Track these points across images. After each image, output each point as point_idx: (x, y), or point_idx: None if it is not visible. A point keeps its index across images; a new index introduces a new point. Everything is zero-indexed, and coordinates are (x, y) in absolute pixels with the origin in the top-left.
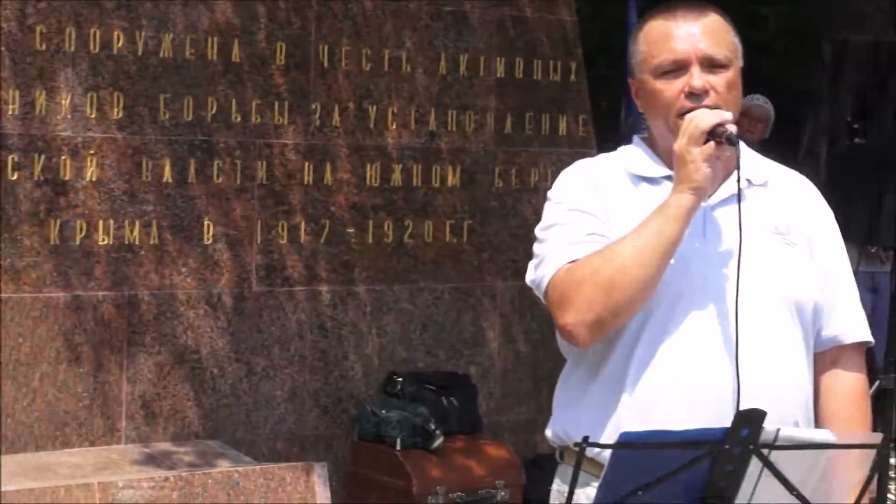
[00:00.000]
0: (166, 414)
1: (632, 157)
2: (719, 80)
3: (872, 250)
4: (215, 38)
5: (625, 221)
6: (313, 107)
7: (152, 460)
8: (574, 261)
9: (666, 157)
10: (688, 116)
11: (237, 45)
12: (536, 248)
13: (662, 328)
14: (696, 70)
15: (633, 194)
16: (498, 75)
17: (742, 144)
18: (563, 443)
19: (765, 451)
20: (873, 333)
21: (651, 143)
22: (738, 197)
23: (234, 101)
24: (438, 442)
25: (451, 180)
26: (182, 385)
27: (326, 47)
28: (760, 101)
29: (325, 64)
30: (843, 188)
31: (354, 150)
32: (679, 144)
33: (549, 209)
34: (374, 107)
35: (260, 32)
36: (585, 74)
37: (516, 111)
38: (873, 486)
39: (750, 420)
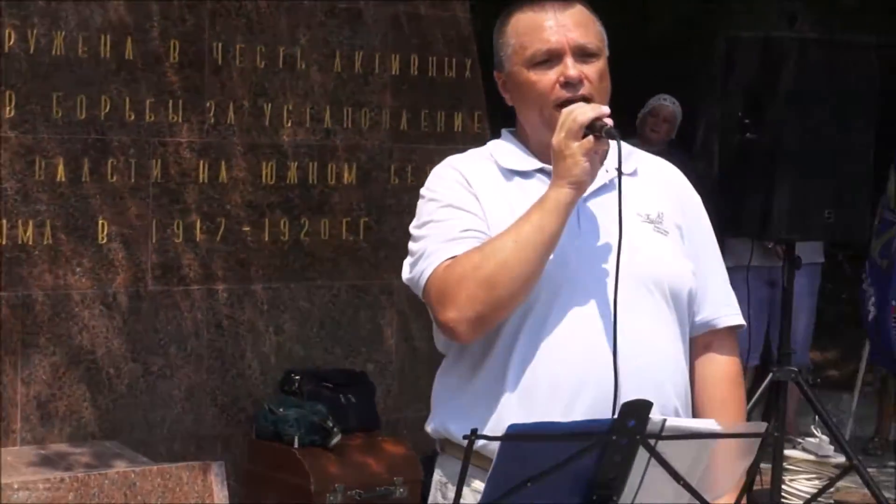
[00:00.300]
0: (62, 415)
1: (502, 151)
2: (592, 69)
3: (770, 245)
4: (108, 36)
5: (500, 216)
6: (208, 105)
7: (48, 461)
8: (453, 257)
9: (537, 149)
10: (565, 111)
11: (130, 42)
12: (412, 245)
13: (542, 321)
14: (569, 60)
15: (506, 189)
16: (393, 72)
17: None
18: (443, 436)
19: (651, 441)
20: (771, 328)
21: (521, 137)
22: (619, 191)
23: (127, 100)
24: (336, 439)
25: (346, 178)
26: (78, 386)
27: (220, 45)
28: (668, 102)
29: (220, 61)
30: (737, 183)
31: (249, 148)
32: (557, 138)
33: (422, 206)
34: (269, 104)
35: (153, 30)
36: (480, 71)
37: (412, 108)
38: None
39: (636, 411)
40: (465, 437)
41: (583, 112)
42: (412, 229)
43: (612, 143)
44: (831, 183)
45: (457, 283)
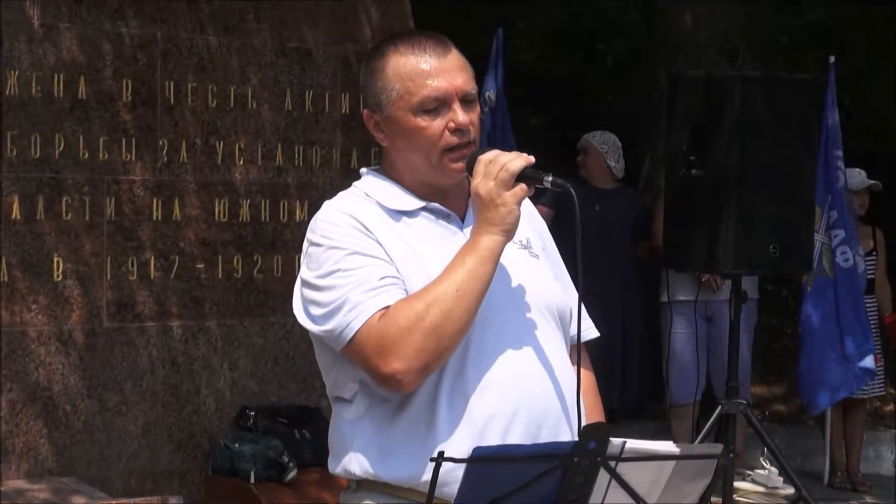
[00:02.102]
0: (19, 451)
1: (380, 191)
2: (474, 114)
3: (703, 279)
4: (61, 75)
5: (403, 257)
6: (161, 143)
7: (6, 498)
8: (386, 307)
9: (417, 189)
10: (486, 158)
11: (83, 81)
12: (319, 296)
13: (465, 356)
14: (456, 105)
15: (397, 229)
16: (343, 111)
17: None
18: (362, 478)
19: (612, 462)
20: (709, 362)
21: (393, 176)
22: (577, 234)
23: (81, 138)
24: (292, 475)
25: (299, 215)
26: (35, 422)
27: (172, 84)
28: (597, 138)
29: (172, 100)
30: (682, 218)
31: (202, 186)
32: (486, 187)
33: (321, 255)
34: (221, 143)
35: (106, 69)
36: None
37: (362, 146)
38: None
39: (596, 433)
40: (432, 460)
41: (512, 162)
42: (312, 279)
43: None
44: (776, 217)
45: (400, 334)
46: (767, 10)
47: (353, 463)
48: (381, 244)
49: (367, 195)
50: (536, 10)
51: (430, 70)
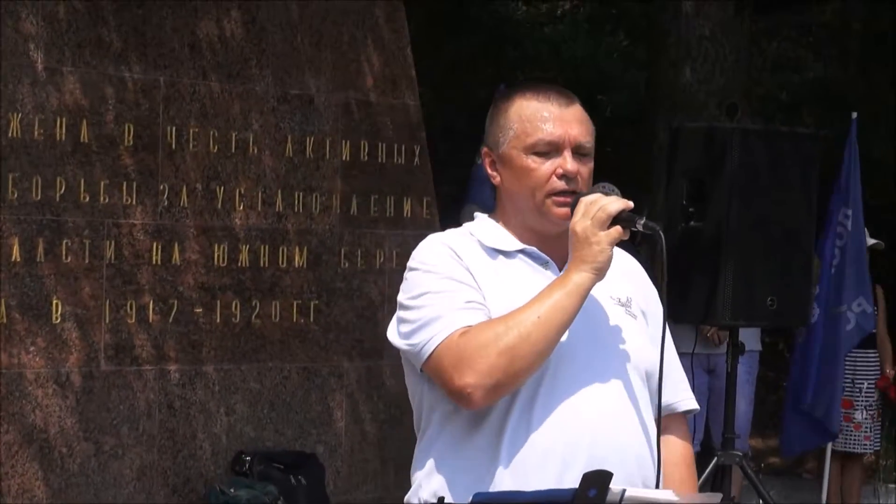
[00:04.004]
0: (14, 493)
1: (483, 230)
2: (585, 168)
3: (707, 333)
4: (64, 118)
5: (493, 290)
6: (161, 187)
7: None
8: (468, 326)
9: (518, 232)
10: (586, 200)
11: (86, 125)
12: (407, 314)
13: (535, 395)
14: (568, 154)
15: (492, 266)
16: (343, 158)
17: None
18: (431, 501)
19: None
20: (710, 414)
21: (500, 218)
22: (663, 282)
23: (82, 181)
24: None
25: (297, 261)
26: (30, 464)
27: (174, 128)
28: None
29: (173, 145)
30: (681, 271)
31: (202, 231)
32: (582, 225)
33: (415, 278)
34: (222, 188)
35: (108, 113)
36: (429, 158)
37: (362, 193)
38: None
39: (597, 481)
40: None
41: (611, 203)
42: (405, 300)
43: None
44: (774, 269)
45: (477, 350)
46: (767, 68)
47: (424, 490)
48: (471, 273)
49: (470, 233)
50: (537, 65)
51: (548, 116)
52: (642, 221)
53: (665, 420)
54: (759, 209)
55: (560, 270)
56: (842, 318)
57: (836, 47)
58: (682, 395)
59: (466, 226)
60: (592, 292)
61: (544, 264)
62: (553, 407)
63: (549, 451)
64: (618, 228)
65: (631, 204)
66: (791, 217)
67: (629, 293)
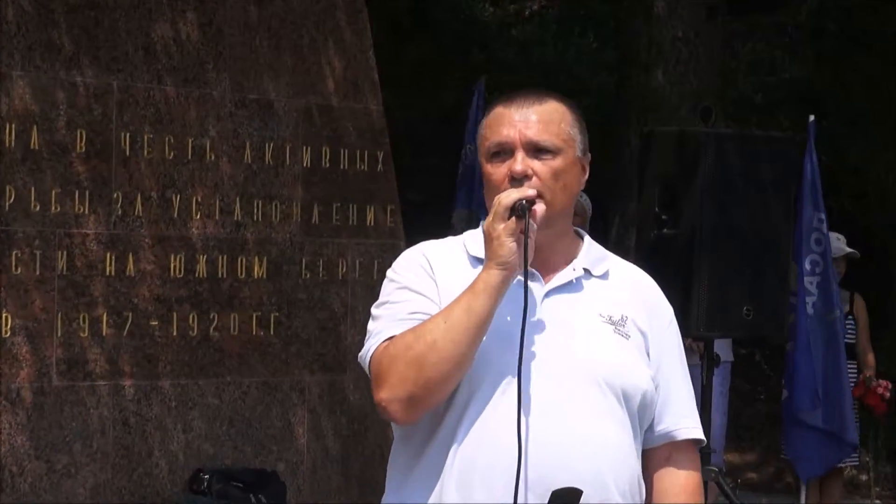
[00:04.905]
0: None
1: (473, 238)
2: (543, 166)
3: (686, 343)
4: (13, 124)
5: (450, 298)
6: (115, 195)
7: None
8: (391, 337)
9: None
10: (498, 196)
11: (36, 131)
12: (369, 325)
13: (484, 407)
14: (520, 154)
15: (469, 275)
16: (304, 164)
17: (587, 237)
18: None
19: None
20: None
21: None
22: (526, 271)
23: (32, 189)
24: None
25: (257, 271)
26: None
27: (128, 135)
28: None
29: (127, 152)
30: (653, 279)
31: (158, 241)
32: (487, 222)
33: (384, 287)
34: (178, 196)
35: (59, 119)
36: (392, 164)
37: (323, 201)
38: None
39: (566, 499)
40: None
41: (507, 195)
42: (372, 309)
43: (587, 244)
44: (749, 278)
45: (389, 363)
46: (741, 70)
47: (385, 498)
48: (437, 284)
49: (463, 242)
50: (505, 68)
51: (505, 119)
52: (518, 204)
53: (667, 448)
54: (733, 215)
55: (545, 283)
56: (837, 322)
57: (811, 49)
58: (683, 423)
59: (467, 233)
60: (579, 308)
61: (530, 276)
62: (504, 423)
63: (492, 468)
64: (513, 219)
65: (531, 192)
66: (767, 223)
67: (626, 311)
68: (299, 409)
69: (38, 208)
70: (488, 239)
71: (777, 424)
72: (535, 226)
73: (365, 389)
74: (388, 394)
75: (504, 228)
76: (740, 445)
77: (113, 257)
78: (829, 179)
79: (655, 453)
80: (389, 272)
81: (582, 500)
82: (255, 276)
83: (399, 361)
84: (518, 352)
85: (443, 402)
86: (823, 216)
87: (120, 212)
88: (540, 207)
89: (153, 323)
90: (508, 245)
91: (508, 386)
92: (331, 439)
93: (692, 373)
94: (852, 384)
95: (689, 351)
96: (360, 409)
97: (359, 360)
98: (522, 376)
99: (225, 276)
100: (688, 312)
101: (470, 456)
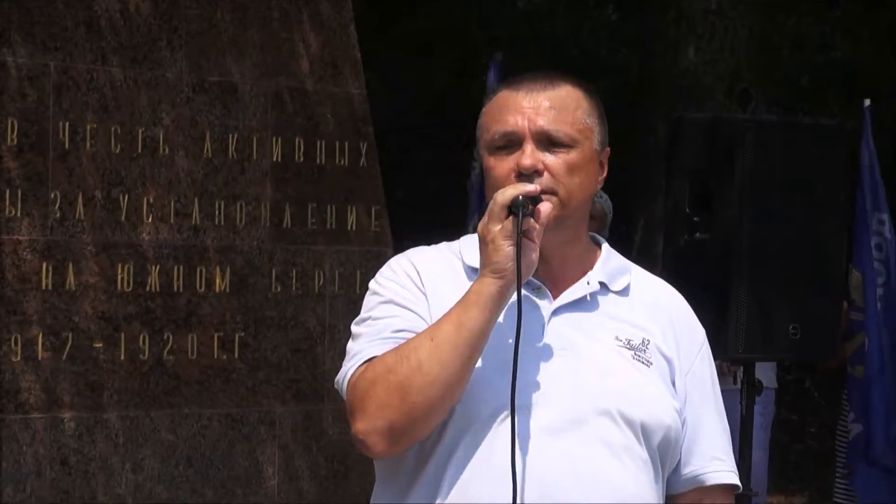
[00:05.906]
0: None
1: (469, 245)
2: (556, 160)
3: (717, 365)
4: None
5: (441, 313)
6: (52, 195)
7: None
8: (371, 359)
9: None
10: (496, 194)
11: None
12: (348, 344)
13: (479, 442)
14: (529, 147)
15: (465, 288)
16: (274, 158)
17: (605, 245)
18: None
19: None
20: None
21: None
22: (518, 279)
23: None
24: None
25: (219, 285)
26: None
27: (67, 124)
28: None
29: (67, 144)
30: (684, 292)
31: (102, 248)
32: (482, 224)
33: (366, 300)
34: (126, 196)
35: None
36: (377, 158)
37: (297, 201)
38: None
39: None
40: None
41: (504, 191)
42: (352, 326)
43: (605, 253)
44: (797, 291)
45: (367, 389)
46: (785, 47)
47: None
48: (427, 297)
49: (459, 249)
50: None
51: (511, 106)
52: (516, 201)
53: (696, 495)
54: (776, 217)
55: (554, 298)
56: None
57: (866, 23)
58: (714, 465)
59: (462, 238)
60: (594, 332)
61: (536, 290)
62: (499, 465)
63: None
64: (510, 220)
65: (529, 188)
66: (816, 226)
67: (648, 334)
68: (269, 446)
69: None
70: (483, 243)
71: (830, 462)
72: (538, 227)
73: (346, 422)
74: (365, 424)
75: (500, 230)
76: (787, 487)
77: (50, 268)
78: (891, 173)
79: (682, 500)
80: (372, 283)
81: None
82: (217, 290)
83: (379, 386)
84: (522, 382)
85: (429, 435)
86: (885, 217)
87: (58, 214)
88: (546, 206)
89: (97, 345)
90: (505, 250)
91: (506, 420)
92: (306, 480)
93: (725, 399)
94: None
95: (720, 373)
96: (341, 446)
97: (335, 385)
98: (520, 409)
99: (181, 289)
100: (724, 331)
101: (465, 495)
